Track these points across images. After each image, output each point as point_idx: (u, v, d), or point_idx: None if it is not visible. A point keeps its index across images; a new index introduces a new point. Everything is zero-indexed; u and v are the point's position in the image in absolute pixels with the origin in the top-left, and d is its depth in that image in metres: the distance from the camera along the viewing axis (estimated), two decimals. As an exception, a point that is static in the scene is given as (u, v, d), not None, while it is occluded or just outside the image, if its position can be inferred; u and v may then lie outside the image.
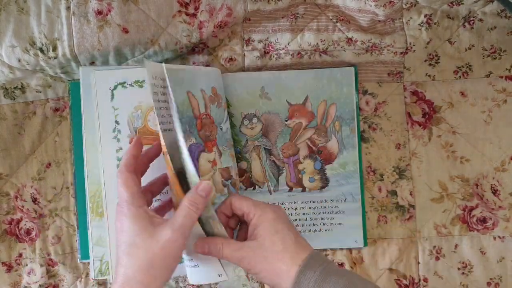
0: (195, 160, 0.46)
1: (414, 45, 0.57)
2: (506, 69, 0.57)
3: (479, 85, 0.58)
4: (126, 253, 0.37)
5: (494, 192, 0.58)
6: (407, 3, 0.56)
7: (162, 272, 0.37)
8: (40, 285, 0.57)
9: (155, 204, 0.48)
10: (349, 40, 0.57)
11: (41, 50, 0.51)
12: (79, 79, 0.56)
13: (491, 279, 0.58)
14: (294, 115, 0.56)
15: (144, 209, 0.39)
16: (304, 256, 0.39)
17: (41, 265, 0.57)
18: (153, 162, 0.46)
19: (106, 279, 0.57)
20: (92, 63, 0.54)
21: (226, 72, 0.57)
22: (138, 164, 0.42)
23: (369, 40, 0.56)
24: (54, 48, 0.51)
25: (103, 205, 0.49)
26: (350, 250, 0.57)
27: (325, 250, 0.57)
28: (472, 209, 0.58)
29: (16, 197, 0.57)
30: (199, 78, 0.48)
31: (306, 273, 0.37)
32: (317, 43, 0.56)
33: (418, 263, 0.58)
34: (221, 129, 0.51)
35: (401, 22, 0.57)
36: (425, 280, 0.58)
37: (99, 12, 0.51)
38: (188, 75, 0.47)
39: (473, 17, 0.57)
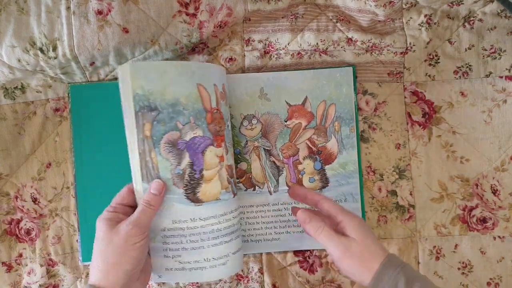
0: (200, 154, 0.46)
1: (414, 45, 0.57)
2: (506, 69, 0.57)
3: (479, 85, 0.58)
4: (97, 248, 0.44)
5: (494, 192, 0.58)
6: (407, 3, 0.56)
7: (125, 259, 0.42)
8: (40, 285, 0.57)
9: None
10: (349, 40, 0.57)
11: (41, 50, 0.51)
12: (78, 82, 0.56)
13: (491, 279, 0.58)
14: (293, 115, 0.56)
15: (112, 214, 0.45)
16: (384, 256, 0.43)
17: (41, 265, 0.57)
18: None
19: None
20: (92, 64, 0.54)
21: (226, 72, 0.57)
22: None
23: (369, 40, 0.56)
24: (54, 48, 0.51)
25: None
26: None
27: (325, 249, 0.57)
28: (472, 209, 0.58)
29: (16, 197, 0.57)
30: (212, 73, 0.49)
31: (387, 269, 0.42)
32: (317, 43, 0.56)
33: (418, 263, 0.58)
34: (228, 126, 0.51)
35: (401, 22, 0.57)
36: (425, 280, 0.58)
37: (99, 12, 0.51)
38: (200, 69, 0.47)
39: (473, 17, 0.57)
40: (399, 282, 0.41)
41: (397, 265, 0.42)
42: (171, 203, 0.46)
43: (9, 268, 0.58)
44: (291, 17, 0.57)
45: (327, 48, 0.57)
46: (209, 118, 0.48)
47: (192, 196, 0.47)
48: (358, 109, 0.58)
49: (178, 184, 0.46)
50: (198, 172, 0.47)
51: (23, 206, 0.57)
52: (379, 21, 0.57)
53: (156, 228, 0.46)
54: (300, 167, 0.57)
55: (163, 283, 0.57)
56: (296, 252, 0.57)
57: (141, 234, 0.43)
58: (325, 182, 0.56)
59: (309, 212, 0.47)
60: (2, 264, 0.57)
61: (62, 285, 0.58)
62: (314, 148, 0.56)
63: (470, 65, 0.58)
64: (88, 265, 0.58)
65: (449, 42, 0.58)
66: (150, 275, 0.48)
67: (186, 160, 0.46)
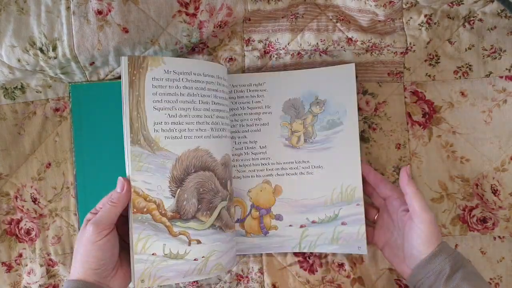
0: None
1: (414, 45, 0.57)
2: (506, 69, 0.57)
3: (479, 85, 0.58)
4: (75, 247, 0.46)
5: (494, 192, 0.58)
6: (407, 3, 0.56)
7: (89, 258, 0.43)
8: (40, 285, 0.57)
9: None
10: (349, 40, 0.57)
11: (41, 50, 0.51)
12: (78, 81, 0.56)
13: (491, 279, 0.58)
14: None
15: (91, 215, 0.46)
16: (438, 242, 0.46)
17: (41, 265, 0.57)
18: None
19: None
20: (92, 64, 0.54)
21: (227, 72, 0.57)
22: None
23: (369, 40, 0.56)
24: (54, 48, 0.51)
25: None
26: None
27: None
28: (472, 209, 0.58)
29: (16, 197, 0.57)
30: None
31: (445, 247, 0.46)
32: (317, 43, 0.56)
33: (418, 263, 0.58)
34: None
35: (401, 22, 0.57)
36: (425, 280, 0.58)
37: (99, 12, 0.51)
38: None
39: (473, 17, 0.57)
40: (443, 270, 0.44)
41: (450, 252, 0.45)
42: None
43: (9, 268, 0.58)
44: (291, 17, 0.57)
45: (327, 48, 0.57)
46: None
47: None
48: (358, 109, 0.58)
49: None
50: None
51: (23, 206, 0.57)
52: (379, 21, 0.57)
53: None
54: None
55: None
56: (296, 252, 0.57)
57: (100, 233, 0.43)
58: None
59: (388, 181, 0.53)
60: (2, 264, 0.57)
61: (62, 285, 0.58)
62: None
63: (470, 65, 0.58)
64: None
65: (449, 42, 0.58)
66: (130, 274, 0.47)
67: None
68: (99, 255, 0.43)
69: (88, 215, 0.46)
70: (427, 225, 0.46)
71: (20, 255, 0.58)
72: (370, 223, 0.56)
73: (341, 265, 0.57)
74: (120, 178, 0.46)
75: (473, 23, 0.57)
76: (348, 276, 0.57)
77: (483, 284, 0.45)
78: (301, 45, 0.57)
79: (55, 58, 0.52)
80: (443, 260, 0.45)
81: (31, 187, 0.57)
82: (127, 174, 0.46)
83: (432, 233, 0.46)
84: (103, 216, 0.44)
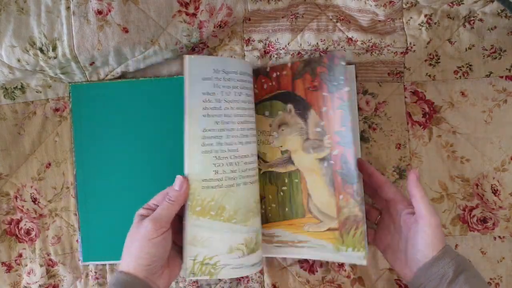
0: None
1: (414, 45, 0.57)
2: (506, 69, 0.57)
3: (479, 85, 0.58)
4: (127, 240, 0.46)
5: (494, 192, 0.58)
6: (407, 3, 0.56)
7: (142, 254, 0.43)
8: (40, 285, 0.57)
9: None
10: (349, 40, 0.57)
11: (41, 50, 0.51)
12: (78, 81, 0.56)
13: (491, 279, 0.58)
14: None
15: (144, 210, 0.46)
16: (442, 245, 0.46)
17: (41, 265, 0.57)
18: None
19: (105, 278, 0.57)
20: (92, 64, 0.54)
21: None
22: None
23: (369, 40, 0.56)
24: (54, 48, 0.51)
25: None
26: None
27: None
28: (472, 209, 0.58)
29: (16, 197, 0.57)
30: None
31: (448, 251, 0.45)
32: (317, 43, 0.56)
33: (418, 263, 0.58)
34: None
35: (401, 22, 0.57)
36: (425, 280, 0.58)
37: (99, 12, 0.51)
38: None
39: (473, 17, 0.57)
40: (446, 274, 0.44)
41: (454, 255, 0.45)
42: None
43: (9, 268, 0.58)
44: (291, 17, 0.57)
45: (327, 48, 0.57)
46: None
47: None
48: (358, 109, 0.58)
49: None
50: None
51: (23, 206, 0.57)
52: (379, 21, 0.57)
53: None
54: None
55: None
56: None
57: (158, 230, 0.43)
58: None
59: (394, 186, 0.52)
60: (2, 264, 0.57)
61: (62, 285, 0.58)
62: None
63: (470, 65, 0.58)
64: (88, 265, 0.58)
65: (449, 42, 0.58)
66: (177, 273, 0.48)
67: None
68: (153, 252, 0.43)
69: (141, 211, 0.46)
70: (433, 229, 0.45)
71: (20, 255, 0.58)
72: (372, 225, 0.56)
73: (341, 265, 0.57)
74: (179, 177, 0.46)
75: (473, 23, 0.57)
76: (348, 276, 0.57)
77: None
78: (301, 45, 0.56)
79: (55, 58, 0.52)
80: (447, 264, 0.44)
81: (31, 187, 0.57)
82: (185, 173, 0.46)
83: (437, 236, 0.45)
84: (162, 214, 0.44)
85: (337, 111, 0.50)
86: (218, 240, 0.47)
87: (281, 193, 0.54)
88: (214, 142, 0.47)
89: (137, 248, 0.43)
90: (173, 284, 0.57)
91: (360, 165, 0.53)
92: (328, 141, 0.51)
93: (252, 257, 0.49)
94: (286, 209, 0.54)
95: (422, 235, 0.46)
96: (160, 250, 0.44)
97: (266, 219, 0.54)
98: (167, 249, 0.45)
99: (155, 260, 0.44)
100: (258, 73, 0.55)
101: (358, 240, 0.49)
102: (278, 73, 0.54)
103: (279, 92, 0.54)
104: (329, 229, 0.51)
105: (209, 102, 0.47)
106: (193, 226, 0.46)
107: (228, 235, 0.47)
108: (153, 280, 0.44)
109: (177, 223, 0.48)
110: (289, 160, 0.54)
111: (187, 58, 0.46)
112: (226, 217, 0.47)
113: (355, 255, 0.49)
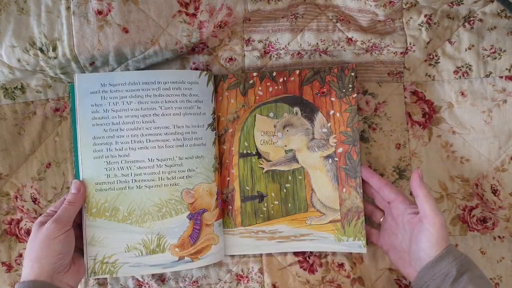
0: None
1: (414, 45, 0.57)
2: (506, 69, 0.57)
3: (479, 85, 0.58)
4: (26, 249, 0.48)
5: (494, 192, 0.58)
6: (407, 3, 0.56)
7: (46, 253, 0.46)
8: (40, 285, 0.57)
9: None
10: (349, 40, 0.57)
11: (41, 50, 0.51)
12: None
13: (491, 279, 0.58)
14: None
15: (44, 218, 0.49)
16: (446, 244, 0.46)
17: (41, 265, 0.57)
18: None
19: (105, 278, 0.57)
20: (92, 64, 0.54)
21: (227, 72, 0.57)
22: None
23: (369, 40, 0.56)
24: (54, 48, 0.51)
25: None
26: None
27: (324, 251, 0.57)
28: (472, 209, 0.58)
29: (16, 197, 0.57)
30: None
31: (451, 250, 0.46)
32: (317, 43, 0.56)
33: (418, 263, 0.58)
34: None
35: (401, 22, 0.57)
36: (425, 280, 0.58)
37: (99, 12, 0.51)
38: None
39: (473, 17, 0.57)
40: (450, 273, 0.44)
41: (458, 254, 0.45)
42: None
43: (9, 268, 0.58)
44: (291, 17, 0.57)
45: (327, 48, 0.57)
46: None
47: None
48: (358, 109, 0.58)
49: None
50: None
51: (23, 206, 0.57)
52: (379, 21, 0.57)
53: None
54: None
55: (162, 281, 0.57)
56: (296, 252, 0.57)
57: (61, 229, 0.47)
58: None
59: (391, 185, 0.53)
60: (2, 264, 0.57)
61: None
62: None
63: (470, 65, 0.58)
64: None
65: (449, 42, 0.58)
66: (83, 271, 0.51)
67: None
68: (58, 249, 0.46)
69: (40, 218, 0.49)
70: (437, 228, 0.46)
71: (20, 255, 0.58)
72: (376, 226, 0.56)
73: (341, 265, 0.57)
74: (75, 181, 0.51)
75: (473, 23, 0.57)
76: (348, 276, 0.57)
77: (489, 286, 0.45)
78: (301, 45, 0.57)
79: (55, 58, 0.52)
80: (450, 263, 0.44)
81: (31, 187, 0.57)
82: (81, 178, 0.52)
83: (441, 235, 0.46)
84: (63, 215, 0.48)
85: (344, 113, 0.54)
86: (115, 240, 0.52)
87: (284, 190, 0.57)
88: (104, 148, 0.52)
89: (40, 249, 0.46)
90: (173, 284, 0.57)
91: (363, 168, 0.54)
92: (334, 140, 0.55)
93: (152, 258, 0.52)
94: (289, 205, 0.57)
95: (426, 234, 0.46)
96: (64, 247, 0.47)
97: (268, 217, 0.56)
98: (71, 246, 0.48)
99: (60, 257, 0.47)
100: (264, 76, 0.56)
101: (359, 230, 0.54)
102: (285, 78, 0.56)
103: (286, 95, 0.56)
104: (331, 221, 0.55)
105: (97, 113, 0.52)
106: (90, 227, 0.52)
107: (124, 234, 0.52)
108: (59, 279, 0.47)
109: (79, 230, 0.52)
110: (293, 159, 0.56)
111: (76, 76, 0.52)
112: (120, 218, 0.52)
113: (356, 244, 0.54)
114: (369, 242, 0.56)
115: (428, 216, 0.46)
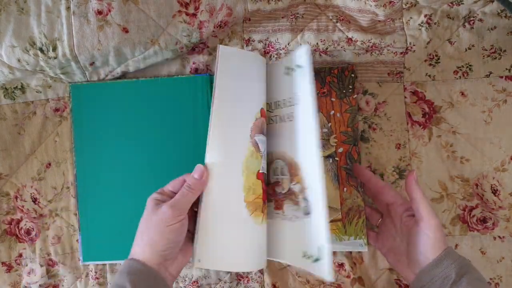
0: None
1: (414, 45, 0.57)
2: (506, 69, 0.57)
3: (479, 85, 0.58)
4: (140, 225, 0.46)
5: (494, 192, 0.58)
6: (407, 3, 0.56)
7: (159, 240, 0.43)
8: (40, 285, 0.57)
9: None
10: (349, 40, 0.57)
11: (41, 50, 0.51)
12: (78, 81, 0.56)
13: (491, 279, 0.58)
14: None
15: (159, 195, 0.46)
16: (444, 247, 0.46)
17: (41, 265, 0.57)
18: None
19: (105, 278, 0.57)
20: (92, 64, 0.54)
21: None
22: None
23: (369, 40, 0.56)
24: (54, 48, 0.51)
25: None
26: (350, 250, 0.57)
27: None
28: (472, 209, 0.58)
29: (16, 197, 0.57)
30: None
31: (450, 253, 0.46)
32: (317, 43, 0.56)
33: (418, 263, 0.58)
34: None
35: (401, 22, 0.57)
36: (425, 280, 0.58)
37: (99, 12, 0.51)
38: None
39: (473, 17, 0.57)
40: (448, 276, 0.44)
41: (456, 257, 0.45)
42: None
43: (9, 268, 0.58)
44: (291, 17, 0.57)
45: (327, 48, 0.57)
46: None
47: None
48: (358, 109, 0.58)
49: None
50: None
51: (23, 206, 0.57)
52: (379, 21, 0.57)
53: None
54: None
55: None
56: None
57: (177, 217, 0.43)
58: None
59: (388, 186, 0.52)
60: (2, 264, 0.57)
61: (62, 285, 0.58)
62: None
63: (470, 65, 0.58)
64: (88, 265, 0.58)
65: (449, 42, 0.58)
66: (188, 258, 0.48)
67: None
68: (171, 238, 0.44)
69: (156, 195, 0.46)
70: (434, 231, 0.46)
71: (20, 255, 0.58)
72: (374, 228, 0.56)
73: (341, 265, 0.57)
74: (199, 165, 0.46)
75: (473, 23, 0.57)
76: (348, 276, 0.57)
77: None
78: (301, 45, 0.57)
79: (55, 58, 0.52)
80: (449, 266, 0.44)
81: (31, 187, 0.57)
82: (206, 162, 0.47)
83: (438, 238, 0.46)
84: (181, 201, 0.45)
85: (345, 114, 0.55)
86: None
87: None
88: None
89: (154, 233, 0.43)
90: (174, 284, 0.57)
91: (357, 170, 0.54)
92: (334, 140, 0.55)
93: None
94: None
95: (423, 237, 0.46)
96: (177, 236, 0.44)
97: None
98: (183, 235, 0.45)
99: (172, 246, 0.44)
100: None
101: (360, 229, 0.55)
102: None
103: None
104: (332, 221, 0.55)
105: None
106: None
107: None
108: (166, 266, 0.45)
109: (191, 210, 0.47)
110: None
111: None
112: None
113: (357, 243, 0.54)
114: (376, 226, 0.56)
115: (424, 219, 0.46)
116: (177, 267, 0.46)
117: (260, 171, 0.49)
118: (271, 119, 0.53)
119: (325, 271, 0.44)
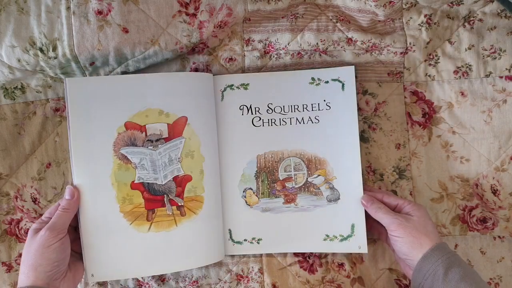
0: None
1: (414, 45, 0.57)
2: (506, 69, 0.57)
3: (479, 85, 0.58)
4: (22, 256, 0.47)
5: (494, 192, 0.58)
6: (407, 3, 0.56)
7: (42, 261, 0.45)
8: (40, 285, 0.57)
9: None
10: (349, 40, 0.57)
11: (41, 50, 0.51)
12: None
13: (491, 279, 0.58)
14: None
15: (38, 224, 0.48)
16: (437, 240, 0.49)
17: (41, 265, 0.57)
18: None
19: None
20: (92, 64, 0.54)
21: (227, 72, 0.57)
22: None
23: (369, 40, 0.56)
24: (54, 48, 0.51)
25: None
26: (350, 250, 0.57)
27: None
28: (472, 209, 0.58)
29: (16, 197, 0.57)
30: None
31: (439, 248, 0.47)
32: (317, 43, 0.56)
33: (418, 263, 0.58)
34: None
35: (401, 22, 0.57)
36: (425, 280, 0.58)
37: (99, 12, 0.51)
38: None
39: (473, 17, 0.57)
40: (439, 269, 0.45)
41: (444, 253, 0.47)
42: None
43: (9, 268, 0.58)
44: (291, 17, 0.57)
45: (327, 48, 0.57)
46: None
47: None
48: (358, 109, 0.58)
49: None
50: None
51: (23, 206, 0.57)
52: (379, 21, 0.57)
53: None
54: None
55: (163, 283, 0.57)
56: (296, 252, 0.57)
57: (55, 237, 0.46)
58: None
59: (370, 197, 0.54)
60: (2, 264, 0.57)
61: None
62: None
63: (470, 65, 0.58)
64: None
65: (449, 42, 0.58)
66: (81, 275, 0.51)
67: None
68: (53, 257, 0.46)
69: (35, 225, 0.48)
70: (405, 236, 0.48)
71: (20, 255, 0.58)
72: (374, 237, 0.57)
73: (341, 265, 0.57)
74: (69, 186, 0.50)
75: (473, 23, 0.57)
76: (348, 276, 0.57)
77: (482, 284, 0.45)
78: (301, 45, 0.57)
79: (55, 58, 0.52)
80: (435, 262, 0.46)
81: (31, 187, 0.57)
82: (74, 183, 0.51)
83: (412, 241, 0.48)
84: (57, 222, 0.48)
85: None
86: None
87: None
88: None
89: (35, 258, 0.46)
90: (174, 284, 0.57)
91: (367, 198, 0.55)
92: None
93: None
94: None
95: (399, 242, 0.49)
96: (60, 255, 0.47)
97: None
98: (66, 254, 0.48)
99: (56, 265, 0.46)
100: None
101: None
102: None
103: None
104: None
105: None
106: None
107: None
108: (56, 286, 0.46)
109: (73, 232, 0.51)
110: None
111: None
112: None
113: (356, 245, 0.55)
114: (377, 239, 0.58)
115: (389, 230, 0.50)
116: (70, 284, 0.49)
117: (136, 181, 0.52)
118: (283, 121, 0.56)
119: (358, 245, 0.54)
